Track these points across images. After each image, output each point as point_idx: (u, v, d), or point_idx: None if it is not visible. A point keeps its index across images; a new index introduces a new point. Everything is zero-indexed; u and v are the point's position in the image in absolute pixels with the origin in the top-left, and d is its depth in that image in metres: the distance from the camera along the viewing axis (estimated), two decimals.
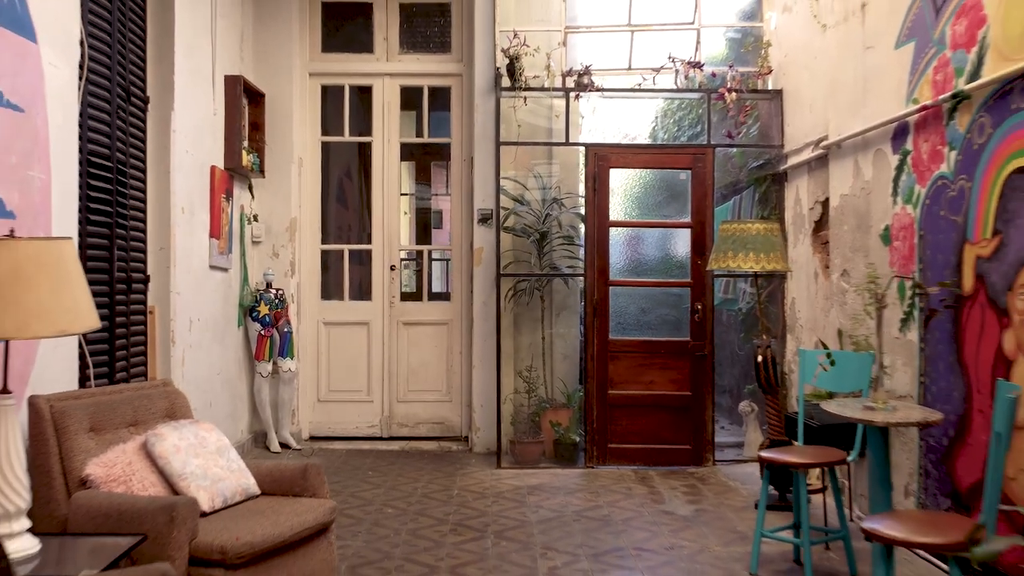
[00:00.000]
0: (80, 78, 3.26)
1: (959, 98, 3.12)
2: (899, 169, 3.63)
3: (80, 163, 3.27)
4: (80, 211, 3.27)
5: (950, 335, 3.22)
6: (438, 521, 3.96)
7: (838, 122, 4.26)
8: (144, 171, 4.06)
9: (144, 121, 4.08)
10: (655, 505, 4.28)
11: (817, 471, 3.93)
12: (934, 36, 3.34)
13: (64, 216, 3.10)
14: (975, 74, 3.04)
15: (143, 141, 4.06)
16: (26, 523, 2.19)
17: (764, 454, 3.33)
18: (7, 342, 2.17)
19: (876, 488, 2.83)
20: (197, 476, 2.73)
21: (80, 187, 3.27)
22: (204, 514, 2.64)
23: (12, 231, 2.26)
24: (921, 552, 3.24)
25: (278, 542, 2.57)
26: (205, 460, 2.82)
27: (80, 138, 3.27)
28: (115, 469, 2.65)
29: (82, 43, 3.28)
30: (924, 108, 3.37)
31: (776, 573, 3.29)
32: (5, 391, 2.16)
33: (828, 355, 3.49)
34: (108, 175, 3.60)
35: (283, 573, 2.62)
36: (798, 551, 3.35)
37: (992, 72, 2.93)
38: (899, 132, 3.62)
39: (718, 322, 6.32)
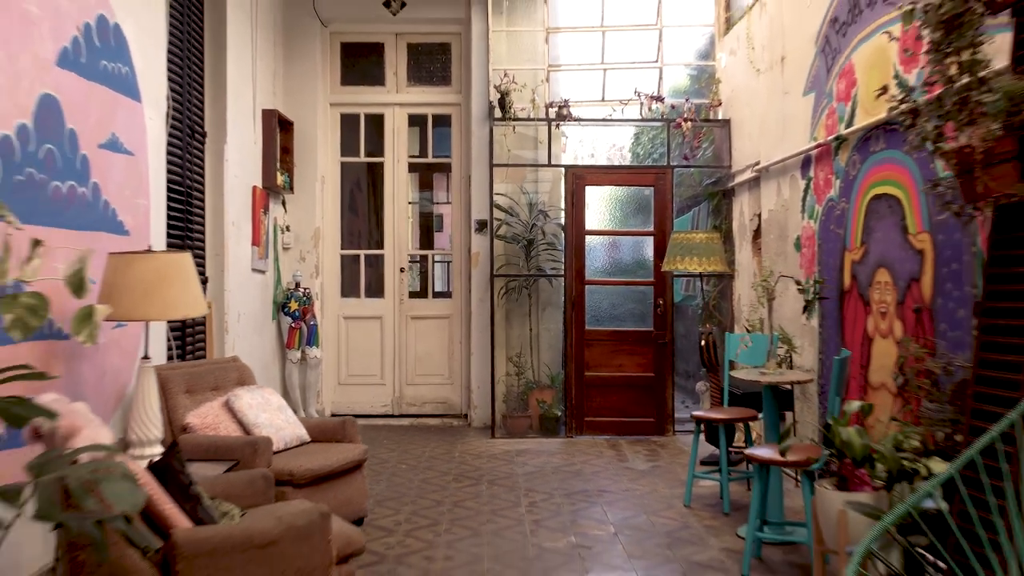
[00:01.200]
0: (166, 124, 4.23)
1: (840, 140, 4.09)
2: (805, 191, 4.61)
3: (165, 190, 4.24)
4: (166, 227, 4.24)
5: (837, 321, 4.19)
6: (443, 473, 4.93)
7: (767, 150, 5.24)
8: (203, 192, 5.03)
9: (203, 152, 5.05)
10: (620, 463, 5.25)
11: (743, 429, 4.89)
12: (826, 89, 4.31)
13: (157, 231, 4.07)
14: (850, 122, 4.02)
15: (202, 168, 5.03)
16: (160, 448, 3.15)
17: (695, 413, 4.30)
18: (147, 323, 3.13)
19: (768, 431, 3.80)
20: (266, 425, 3.70)
21: (166, 208, 4.24)
22: (274, 452, 3.61)
23: (150, 247, 3.23)
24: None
25: (328, 470, 3.54)
26: (270, 414, 3.78)
27: (166, 171, 4.24)
28: (207, 419, 3.62)
29: (168, 98, 4.25)
30: (819, 145, 4.34)
31: (704, 505, 4.25)
32: (146, 357, 3.13)
33: (745, 336, 4.46)
34: (181, 198, 4.58)
35: (332, 493, 3.58)
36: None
37: (859, 122, 3.90)
38: (805, 162, 4.60)
39: (683, 315, 7.30)
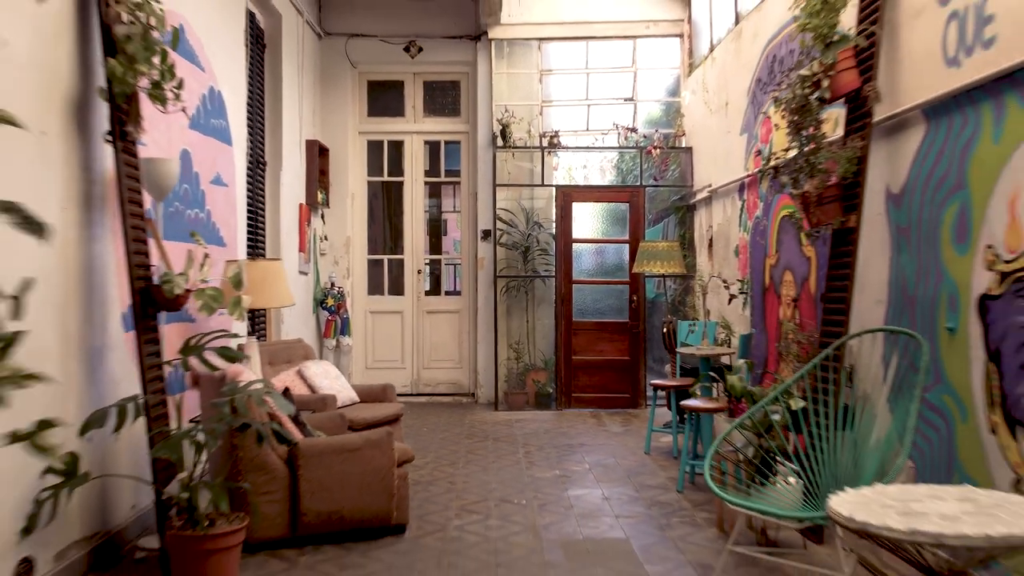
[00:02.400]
0: (245, 160, 5.51)
1: (762, 172, 5.36)
2: (741, 210, 5.88)
3: (245, 211, 5.52)
4: (246, 239, 5.52)
5: (760, 311, 5.46)
6: (457, 434, 6.20)
7: (716, 176, 6.51)
8: (265, 211, 6.30)
9: (264, 178, 6.32)
10: (599, 427, 6.52)
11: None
12: (754, 132, 5.59)
13: (241, 243, 5.34)
14: (767, 160, 5.29)
15: (264, 191, 6.30)
16: None
17: (652, 382, 5.57)
18: (255, 312, 4.40)
19: (703, 391, 5.07)
20: (328, 388, 4.97)
21: (245, 225, 5.52)
22: (336, 407, 4.87)
23: (261, 255, 4.50)
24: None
25: (377, 420, 4.80)
26: (331, 380, 5.05)
27: (246, 196, 5.52)
28: (286, 383, 4.89)
29: (246, 140, 5.53)
30: (749, 175, 5.62)
31: (659, 452, 5.52)
32: (251, 334, 4.40)
33: (692, 324, 5.73)
34: (252, 216, 5.85)
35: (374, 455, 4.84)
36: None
37: (771, 162, 5.17)
38: (741, 188, 5.87)
39: (657, 310, 8.54)
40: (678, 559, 3.42)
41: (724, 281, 5.88)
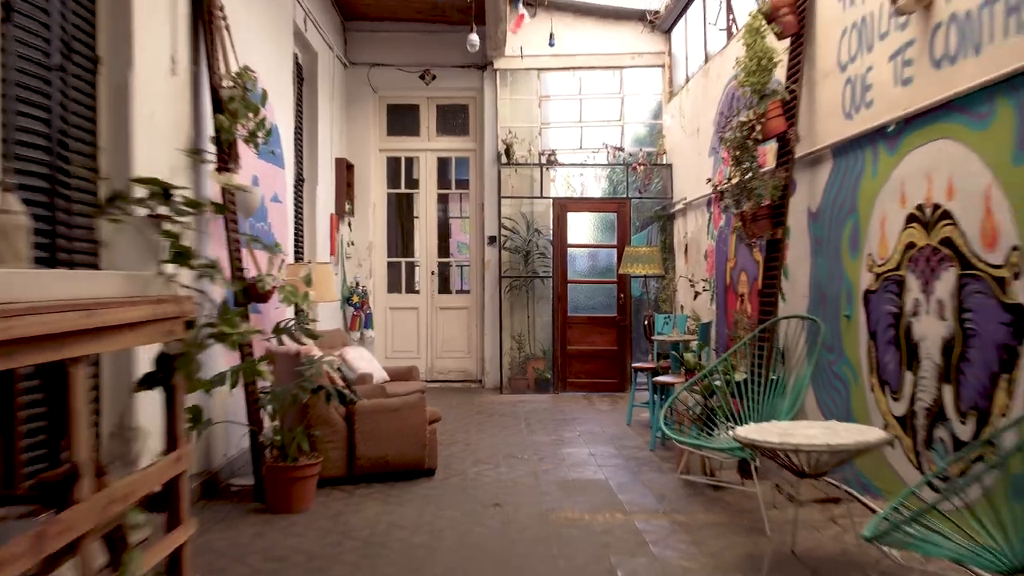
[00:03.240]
0: (292, 180, 6.58)
1: (720, 191, 6.43)
2: (708, 221, 6.96)
3: (293, 222, 6.58)
4: (293, 245, 6.59)
5: (723, 306, 6.53)
6: (468, 412, 7.27)
7: (690, 191, 7.58)
8: (303, 220, 7.37)
9: (303, 192, 7.39)
10: (589, 406, 7.59)
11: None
12: (719, 156, 6.66)
13: (290, 249, 6.41)
14: (728, 181, 6.36)
15: (302, 203, 7.37)
16: None
17: (633, 365, 6.64)
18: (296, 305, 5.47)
19: (674, 367, 6.14)
20: (365, 368, 6.03)
21: (293, 233, 6.59)
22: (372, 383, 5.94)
23: (309, 260, 5.58)
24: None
25: (406, 393, 5.86)
26: (367, 363, 6.12)
27: (292, 209, 6.59)
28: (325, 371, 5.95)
29: (294, 163, 6.60)
30: (714, 192, 6.69)
31: (639, 425, 6.58)
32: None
33: (667, 317, 6.82)
34: (297, 225, 6.92)
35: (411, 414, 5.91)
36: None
37: (726, 184, 6.25)
38: (708, 202, 6.95)
39: (641, 306, 9.60)
40: (643, 491, 4.49)
41: (691, 280, 6.98)
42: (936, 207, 3.48)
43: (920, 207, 3.61)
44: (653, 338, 6.43)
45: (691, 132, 7.56)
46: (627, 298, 8.45)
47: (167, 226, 2.29)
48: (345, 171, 8.43)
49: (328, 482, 4.56)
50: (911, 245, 3.68)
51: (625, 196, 8.54)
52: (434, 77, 8.90)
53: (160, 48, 3.87)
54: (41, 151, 3.04)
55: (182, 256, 2.35)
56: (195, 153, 4.19)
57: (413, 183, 9.30)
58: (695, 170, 7.43)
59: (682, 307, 7.66)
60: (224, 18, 4.38)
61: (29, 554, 1.57)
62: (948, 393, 3.38)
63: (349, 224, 8.77)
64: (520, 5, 7.44)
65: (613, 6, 8.48)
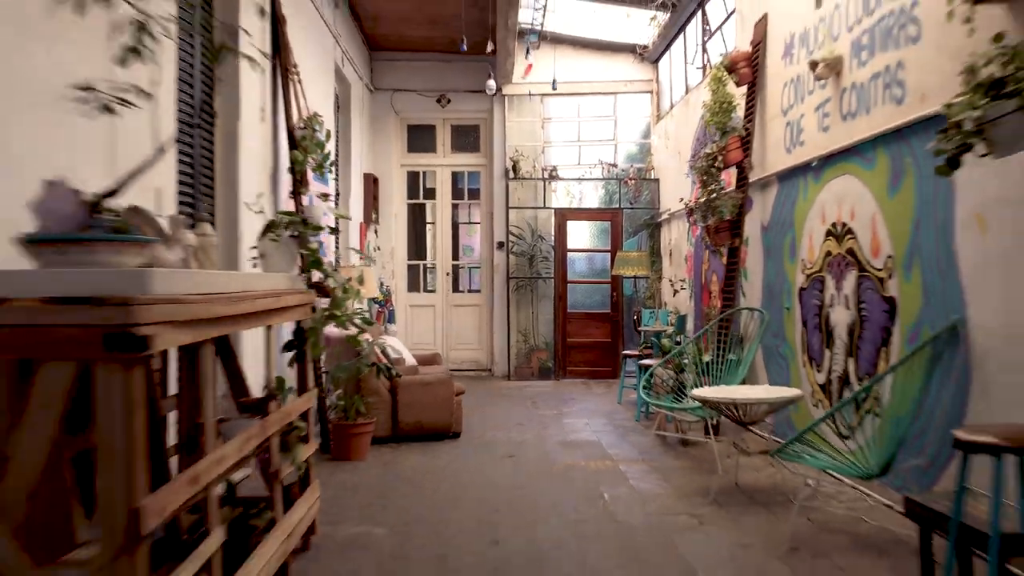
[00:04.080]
0: (334, 194, 7.75)
1: (691, 208, 7.60)
2: (687, 230, 8.13)
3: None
4: (334, 251, 7.75)
5: (699, 302, 7.69)
6: (481, 394, 8.42)
7: (673, 203, 8.75)
8: (339, 231, 8.53)
9: (338, 205, 8.55)
10: (587, 390, 8.75)
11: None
12: (693, 178, 7.82)
13: (331, 253, 7.56)
14: (698, 200, 7.52)
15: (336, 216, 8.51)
16: None
17: (623, 352, 7.81)
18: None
19: (655, 351, 7.30)
20: (399, 354, 7.19)
21: (334, 240, 7.75)
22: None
23: (362, 260, 6.75)
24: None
25: (438, 376, 7.03)
26: (399, 349, 7.28)
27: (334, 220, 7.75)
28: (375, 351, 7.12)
29: (334, 179, 7.77)
30: (686, 208, 7.85)
31: (629, 403, 7.74)
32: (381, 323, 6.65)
33: (652, 312, 7.99)
34: (334, 236, 8.08)
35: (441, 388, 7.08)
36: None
37: (696, 202, 7.41)
38: (687, 213, 8.11)
39: (632, 303, 10.77)
40: (628, 448, 5.65)
41: (671, 281, 8.15)
42: (844, 225, 4.65)
43: (834, 224, 4.78)
44: (639, 329, 7.61)
45: (674, 152, 8.73)
46: (619, 296, 9.62)
47: (304, 243, 3.45)
48: (372, 184, 9.59)
49: (376, 440, 5.72)
50: (829, 253, 4.85)
51: (618, 206, 9.71)
52: (449, 101, 10.06)
53: (255, 102, 5.03)
54: (187, 185, 4.21)
55: (316, 263, 3.51)
56: (276, 180, 5.36)
57: (430, 193, 10.47)
58: (678, 185, 8.59)
59: (665, 303, 8.84)
60: (297, 73, 5.55)
61: (257, 435, 2.73)
62: (852, 364, 4.54)
63: (375, 231, 9.93)
64: (529, 55, 8.62)
65: (608, 40, 9.64)
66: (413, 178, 10.42)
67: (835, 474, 4.14)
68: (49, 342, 1.80)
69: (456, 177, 10.49)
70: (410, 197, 10.43)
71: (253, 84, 5.00)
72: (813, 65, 4.75)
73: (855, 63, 4.48)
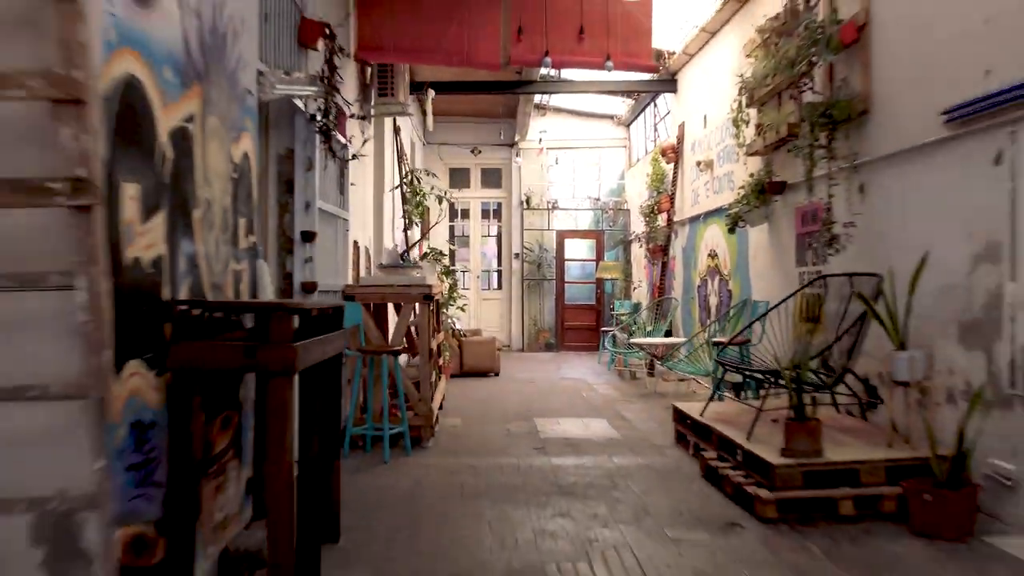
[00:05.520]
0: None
1: (639, 236, 11.52)
2: (643, 249, 12.06)
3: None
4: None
5: (651, 295, 11.61)
6: (505, 359, 12.32)
7: (638, 228, 12.66)
8: (408, 251, 12.43)
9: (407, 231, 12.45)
10: (577, 358, 12.66)
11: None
12: (641, 218, 11.74)
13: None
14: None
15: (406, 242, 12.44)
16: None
17: (603, 329, 11.73)
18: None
19: (621, 333, 11.23)
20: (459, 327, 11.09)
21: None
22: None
23: (446, 270, 10.73)
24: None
25: (486, 339, 10.93)
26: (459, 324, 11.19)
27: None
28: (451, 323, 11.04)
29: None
30: (636, 236, 11.77)
31: (604, 364, 11.65)
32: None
33: (621, 302, 11.93)
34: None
35: (489, 345, 10.98)
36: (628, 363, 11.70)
37: (644, 232, 11.34)
38: (639, 239, 12.04)
39: (611, 297, 14.71)
40: (598, 380, 9.55)
41: (628, 279, 12.08)
42: (713, 250, 8.57)
43: (710, 250, 8.69)
44: (612, 313, 11.50)
45: (638, 193, 12.65)
46: (602, 293, 13.53)
47: (440, 264, 7.37)
48: (426, 212, 13.47)
49: (452, 376, 9.62)
50: (709, 266, 8.76)
51: (601, 229, 13.62)
52: (480, 151, 13.97)
53: (389, 180, 8.94)
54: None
55: (446, 272, 7.41)
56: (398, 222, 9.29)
57: (465, 215, 14.38)
58: (640, 216, 12.50)
59: (631, 297, 12.77)
60: (405, 155, 9.43)
61: (437, 356, 6.65)
62: (716, 327, 8.45)
63: (428, 245, 13.83)
64: (544, 152, 12.56)
65: (592, 111, 13.57)
66: (452, 207, 14.31)
67: (697, 377, 8.05)
68: (407, 297, 5.73)
69: (485, 206, 14.40)
70: (450, 220, 14.34)
71: (391, 166, 8.90)
72: (698, 163, 8.67)
73: (717, 165, 8.41)
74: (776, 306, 5.70)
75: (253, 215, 3.66)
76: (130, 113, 2.39)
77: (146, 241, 2.49)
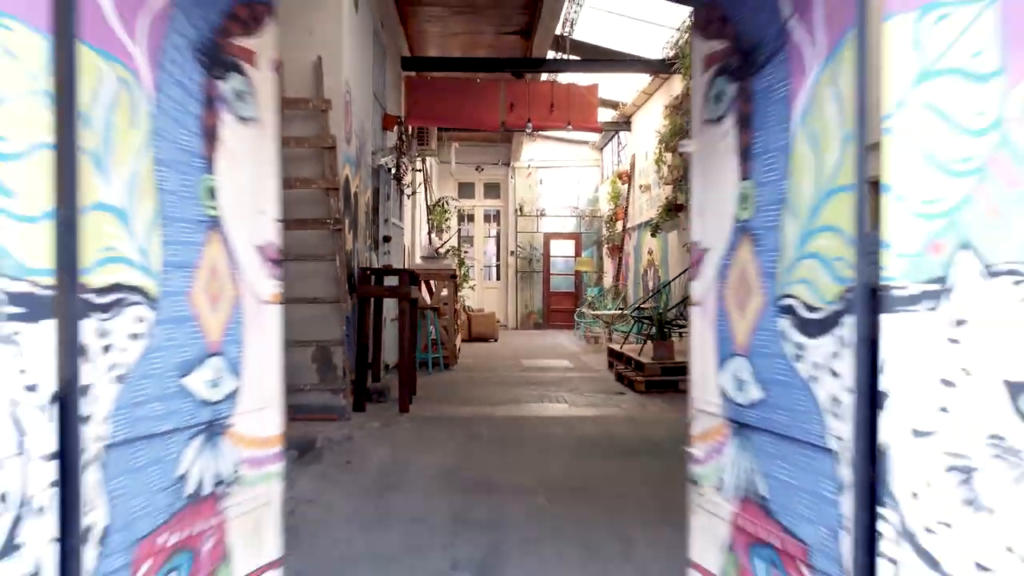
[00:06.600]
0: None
1: (603, 238, 14.95)
2: (607, 247, 15.51)
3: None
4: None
5: (615, 282, 15.06)
6: (503, 334, 15.78)
7: (607, 233, 16.11)
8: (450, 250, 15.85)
9: (430, 233, 15.89)
10: (559, 332, 16.10)
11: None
12: (605, 224, 15.18)
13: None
14: (624, 227, 14.88)
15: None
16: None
17: (579, 309, 15.20)
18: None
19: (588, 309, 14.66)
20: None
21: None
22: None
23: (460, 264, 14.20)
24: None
25: (488, 314, 14.36)
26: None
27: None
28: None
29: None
30: (602, 238, 15.22)
31: (581, 336, 15.09)
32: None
33: (591, 288, 15.40)
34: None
35: (490, 318, 14.42)
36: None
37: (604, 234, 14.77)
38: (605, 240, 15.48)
39: (587, 286, 18.21)
40: (571, 343, 12.98)
41: (600, 272, 15.54)
42: (651, 250, 12.01)
43: (649, 248, 12.14)
44: (584, 297, 14.96)
45: (608, 204, 16.10)
46: (580, 282, 16.98)
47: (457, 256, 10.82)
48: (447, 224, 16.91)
49: (463, 340, 13.05)
50: (647, 260, 12.20)
51: (579, 232, 17.08)
52: (482, 169, 17.41)
53: (421, 200, 12.37)
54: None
55: (460, 263, 10.85)
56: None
57: (470, 220, 17.82)
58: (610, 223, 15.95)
59: (602, 284, 16.23)
60: (431, 184, 12.86)
61: (456, 316, 10.11)
62: (651, 301, 11.90)
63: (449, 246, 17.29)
64: (533, 172, 16.01)
65: (572, 138, 17.02)
66: (460, 214, 17.76)
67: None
68: (440, 276, 9.21)
69: (487, 212, 17.83)
70: (459, 224, 17.77)
71: (420, 200, 12.34)
72: (640, 186, 12.13)
73: (654, 187, 11.84)
74: (669, 283, 9.15)
75: (368, 228, 7.12)
76: (347, 192, 5.87)
77: (348, 243, 5.95)
